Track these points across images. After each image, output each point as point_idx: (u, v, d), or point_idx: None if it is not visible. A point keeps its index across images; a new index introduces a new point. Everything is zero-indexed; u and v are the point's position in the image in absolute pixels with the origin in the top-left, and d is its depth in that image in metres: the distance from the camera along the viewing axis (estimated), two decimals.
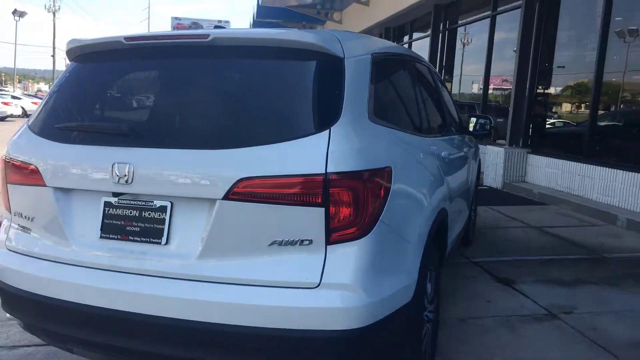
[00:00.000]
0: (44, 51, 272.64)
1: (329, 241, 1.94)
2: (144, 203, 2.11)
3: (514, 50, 9.56)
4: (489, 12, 10.88)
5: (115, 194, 2.14)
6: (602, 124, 7.92)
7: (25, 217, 2.35)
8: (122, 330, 2.10)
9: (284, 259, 1.96)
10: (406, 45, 16.18)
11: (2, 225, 2.55)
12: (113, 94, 2.43)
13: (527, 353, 3.13)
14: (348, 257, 1.96)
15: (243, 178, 1.94)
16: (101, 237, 2.17)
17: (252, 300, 1.95)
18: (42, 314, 2.26)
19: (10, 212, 2.44)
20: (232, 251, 2.00)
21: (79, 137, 2.24)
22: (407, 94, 3.02)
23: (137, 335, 2.09)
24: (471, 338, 3.31)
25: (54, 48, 62.40)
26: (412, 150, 2.62)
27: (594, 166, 7.43)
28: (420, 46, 14.79)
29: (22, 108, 31.50)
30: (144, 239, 2.11)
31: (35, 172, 2.26)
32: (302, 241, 1.95)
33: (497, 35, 10.68)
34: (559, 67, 9.07)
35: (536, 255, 5.21)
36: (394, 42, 16.55)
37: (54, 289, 2.19)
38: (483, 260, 4.92)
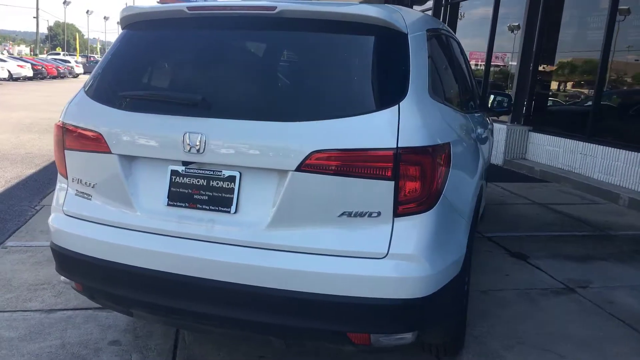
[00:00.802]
0: (25, 12, 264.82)
1: (396, 213, 2.01)
2: (212, 172, 2.16)
3: (509, 29, 9.58)
4: None
5: (184, 163, 2.17)
6: (604, 103, 8.03)
7: (86, 183, 2.37)
8: (188, 294, 2.16)
9: (353, 229, 2.03)
10: None
11: (56, 191, 2.58)
12: (174, 64, 2.43)
13: (551, 325, 3.27)
14: (414, 230, 2.03)
15: (316, 150, 1.99)
16: (168, 204, 2.21)
17: (321, 268, 2.02)
18: (104, 277, 2.32)
19: (67, 178, 2.46)
20: (302, 221, 2.06)
21: (146, 106, 2.25)
22: (450, 70, 3.07)
23: (202, 300, 2.16)
24: (494, 310, 3.44)
25: (37, 9, 60.67)
26: (460, 126, 2.68)
27: (596, 145, 7.57)
28: None
29: (9, 71, 30.73)
30: (213, 208, 2.15)
31: (100, 139, 2.28)
32: (370, 213, 2.01)
33: (502, 10, 10.66)
34: (563, 45, 9.12)
35: (545, 231, 5.37)
36: None
37: (118, 254, 2.24)
38: (495, 235, 5.05)
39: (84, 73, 44.57)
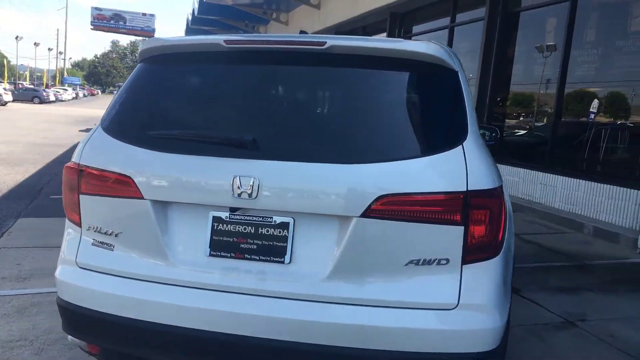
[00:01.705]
0: None
1: (465, 260, 1.90)
2: (261, 219, 1.97)
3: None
4: (447, 24, 11.23)
5: (232, 209, 1.97)
6: (562, 134, 8.39)
7: (107, 232, 2.11)
8: (235, 354, 1.94)
9: (420, 279, 1.90)
10: None
11: (64, 240, 2.29)
12: (212, 102, 2.22)
13: None
14: (484, 278, 1.93)
15: (383, 195, 1.86)
16: (210, 254, 1.99)
17: (387, 322, 1.87)
18: (130, 338, 2.05)
19: (80, 226, 2.18)
20: (366, 271, 1.90)
21: (185, 147, 2.04)
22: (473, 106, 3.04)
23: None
24: (510, 347, 3.37)
25: None
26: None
27: (556, 175, 7.86)
28: None
29: None
30: (264, 258, 1.96)
31: (129, 183, 2.03)
32: (439, 260, 1.89)
33: (455, 47, 11.05)
34: (517, 77, 9.53)
35: (525, 262, 5.42)
36: None
37: (150, 312, 1.99)
38: None
39: (13, 101, 42.09)
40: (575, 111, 8.46)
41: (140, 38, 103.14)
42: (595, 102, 7.93)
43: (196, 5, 23.86)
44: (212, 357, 1.98)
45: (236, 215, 1.98)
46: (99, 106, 45.35)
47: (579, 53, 8.02)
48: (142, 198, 2.02)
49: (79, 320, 2.13)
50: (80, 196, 2.15)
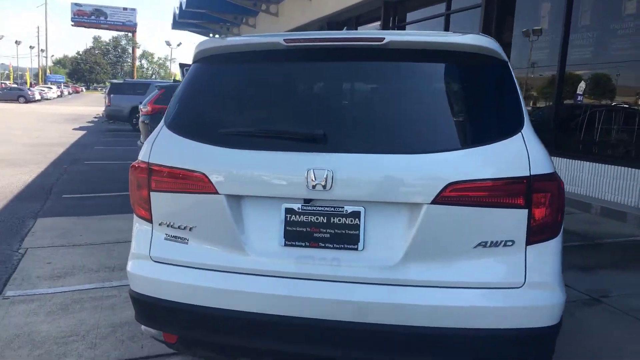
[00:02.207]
0: None
1: (529, 241, 2.02)
2: (332, 209, 2.06)
3: None
4: (443, 11, 11.32)
5: (306, 201, 2.07)
6: (563, 117, 8.56)
7: (180, 226, 2.20)
8: (312, 337, 2.05)
9: (488, 260, 2.01)
10: None
11: (134, 236, 2.37)
12: (276, 98, 2.30)
13: (597, 339, 3.38)
14: (546, 257, 2.04)
15: (453, 182, 1.96)
16: (285, 244, 2.09)
17: (459, 302, 1.98)
18: (209, 326, 2.15)
19: (151, 222, 2.27)
20: (436, 255, 2.01)
21: (256, 143, 2.12)
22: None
23: (330, 342, 2.05)
24: None
25: None
26: None
27: (560, 158, 8.03)
28: None
29: None
30: (337, 246, 2.06)
31: (203, 179, 2.12)
32: (505, 242, 2.00)
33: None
34: (516, 62, 9.65)
35: None
36: None
37: (228, 300, 2.08)
38: None
39: None
40: (574, 93, 8.62)
41: (122, 33, 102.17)
42: (584, 85, 8.10)
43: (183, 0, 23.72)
44: (291, 341, 2.08)
45: (309, 206, 2.08)
46: (85, 103, 45.01)
47: (577, 36, 8.17)
48: (217, 193, 2.11)
49: (155, 311, 2.22)
50: (151, 193, 2.23)
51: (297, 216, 2.09)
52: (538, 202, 2.00)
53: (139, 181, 2.25)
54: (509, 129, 2.07)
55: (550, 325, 2.02)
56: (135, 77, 75.67)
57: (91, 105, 41.35)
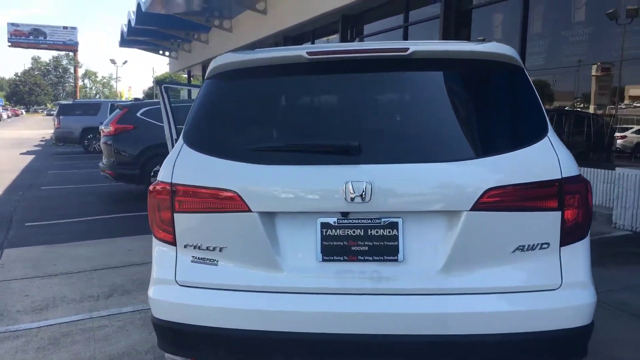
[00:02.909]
0: None
1: (562, 242, 2.05)
2: (369, 221, 2.04)
3: None
4: (401, 23, 11.57)
5: (343, 214, 2.03)
6: None
7: (209, 247, 2.11)
8: (359, 353, 2.01)
9: (526, 264, 2.03)
10: None
11: (155, 260, 2.26)
12: (302, 111, 2.26)
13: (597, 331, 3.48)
14: (579, 257, 2.09)
15: (491, 188, 1.98)
16: (323, 260, 2.04)
17: (501, 307, 1.99)
18: (245, 350, 2.07)
19: (175, 245, 2.17)
20: (476, 261, 2.01)
21: (287, 157, 2.07)
22: None
23: (372, 357, 2.01)
24: None
25: None
26: None
27: None
28: None
29: None
30: (377, 258, 2.03)
31: (234, 198, 2.04)
32: (541, 245, 2.03)
33: None
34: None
35: None
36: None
37: (265, 321, 2.02)
38: None
39: None
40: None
41: (64, 52, 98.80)
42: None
43: (133, 16, 23.19)
44: (335, 358, 2.03)
45: (345, 219, 2.04)
46: (28, 126, 43.09)
47: (531, 44, 8.54)
48: (250, 211, 2.04)
49: (184, 337, 2.12)
50: (175, 215, 2.13)
51: (334, 230, 2.05)
52: (569, 203, 2.04)
53: (160, 203, 2.15)
54: (536, 133, 2.11)
55: (587, 325, 2.06)
56: (78, 97, 73.25)
57: (34, 128, 39.64)
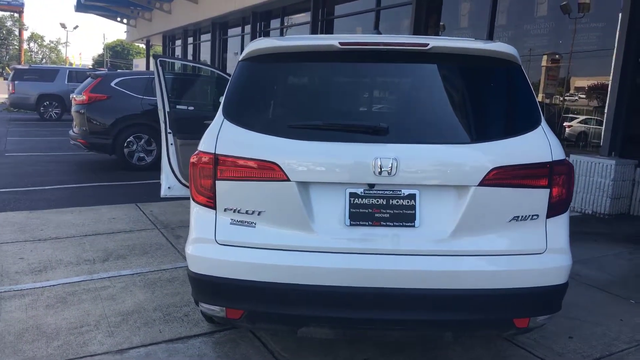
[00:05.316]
0: None
1: (548, 215, 2.45)
2: (391, 192, 2.36)
3: None
4: (373, 6, 11.84)
5: (370, 186, 2.34)
6: None
7: (248, 211, 2.38)
8: (376, 304, 2.34)
9: (519, 231, 2.42)
10: (278, 33, 16.57)
11: (194, 221, 2.50)
12: (334, 94, 2.55)
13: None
14: (561, 228, 2.49)
15: (496, 167, 2.34)
16: (351, 224, 2.35)
17: (499, 267, 2.38)
18: (278, 300, 2.36)
19: (215, 208, 2.43)
20: (480, 228, 2.38)
21: (322, 135, 2.37)
22: None
23: (392, 307, 2.36)
24: None
25: None
26: None
27: None
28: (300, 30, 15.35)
29: None
30: (397, 223, 2.36)
31: (274, 169, 2.33)
32: (532, 216, 2.42)
33: (382, 29, 11.71)
34: None
35: None
36: (260, 30, 16.81)
37: (298, 276, 2.32)
38: None
39: None
40: None
41: (8, 13, 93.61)
42: None
43: None
44: (357, 308, 2.35)
45: (371, 190, 2.36)
46: None
47: (501, 30, 9.03)
48: (288, 180, 2.33)
49: (221, 289, 2.40)
50: (217, 182, 2.39)
51: (360, 199, 2.36)
52: (556, 182, 2.43)
53: (205, 171, 2.40)
54: (532, 123, 2.48)
55: (564, 283, 2.47)
56: (23, 62, 69.88)
57: None
